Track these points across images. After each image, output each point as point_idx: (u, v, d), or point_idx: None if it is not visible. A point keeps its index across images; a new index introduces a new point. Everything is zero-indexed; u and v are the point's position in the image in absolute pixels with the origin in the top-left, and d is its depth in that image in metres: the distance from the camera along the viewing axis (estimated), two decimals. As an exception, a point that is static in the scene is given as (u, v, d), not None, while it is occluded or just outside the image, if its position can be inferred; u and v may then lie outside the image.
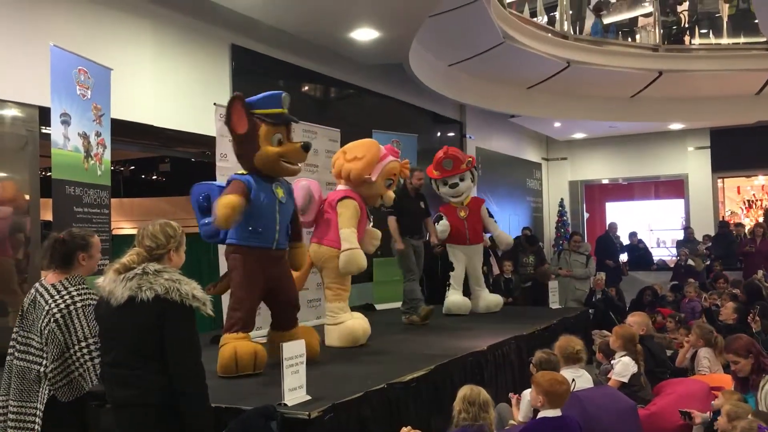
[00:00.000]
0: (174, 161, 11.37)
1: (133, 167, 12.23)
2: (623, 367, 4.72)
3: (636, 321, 5.54)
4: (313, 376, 3.69)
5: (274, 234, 4.45)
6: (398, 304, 7.11)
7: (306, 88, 8.60)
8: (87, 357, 3.26)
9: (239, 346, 4.19)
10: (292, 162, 4.45)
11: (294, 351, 3.45)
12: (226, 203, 4.08)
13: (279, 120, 4.41)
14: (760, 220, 13.97)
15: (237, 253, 4.41)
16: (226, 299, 5.52)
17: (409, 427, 3.25)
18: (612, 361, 4.92)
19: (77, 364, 3.29)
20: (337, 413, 3.37)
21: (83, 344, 3.27)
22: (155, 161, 11.85)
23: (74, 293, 3.37)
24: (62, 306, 3.31)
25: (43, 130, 5.14)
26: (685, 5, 12.18)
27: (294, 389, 3.40)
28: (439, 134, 11.65)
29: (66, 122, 4.62)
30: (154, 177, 12.66)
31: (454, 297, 7.34)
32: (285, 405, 3.30)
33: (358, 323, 5.36)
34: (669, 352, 6.08)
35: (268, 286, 4.50)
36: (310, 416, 3.20)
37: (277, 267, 4.56)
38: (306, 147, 4.45)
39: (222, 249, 5.53)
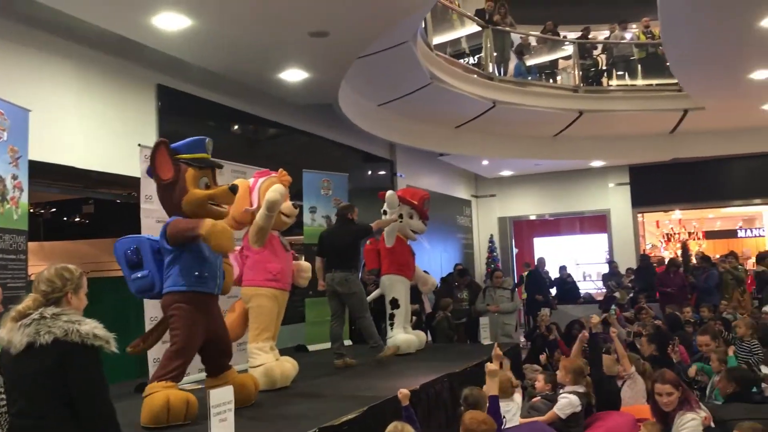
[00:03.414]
0: (98, 203, 11.04)
1: (54, 209, 11.81)
2: (568, 404, 4.68)
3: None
4: (244, 421, 3.60)
5: (216, 279, 4.44)
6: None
7: (235, 127, 8.55)
8: None
9: (172, 395, 4.04)
10: (219, 204, 4.44)
11: (222, 398, 3.35)
12: (218, 230, 4.05)
13: (205, 164, 4.45)
14: (678, 252, 14.57)
15: (182, 302, 4.28)
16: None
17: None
18: (560, 395, 4.88)
19: None
20: (266, 461, 3.29)
21: None
22: (78, 203, 11.47)
23: None
24: None
25: (-44, 174, 4.93)
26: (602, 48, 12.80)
27: (222, 438, 3.30)
28: (370, 173, 11.74)
29: (-20, 165, 4.44)
30: (77, 219, 12.25)
31: (403, 335, 7.25)
32: (212, 455, 3.21)
33: (276, 365, 5.24)
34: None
35: (208, 335, 4.41)
36: (238, 465, 3.12)
37: (215, 313, 4.53)
38: (234, 189, 4.46)
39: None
